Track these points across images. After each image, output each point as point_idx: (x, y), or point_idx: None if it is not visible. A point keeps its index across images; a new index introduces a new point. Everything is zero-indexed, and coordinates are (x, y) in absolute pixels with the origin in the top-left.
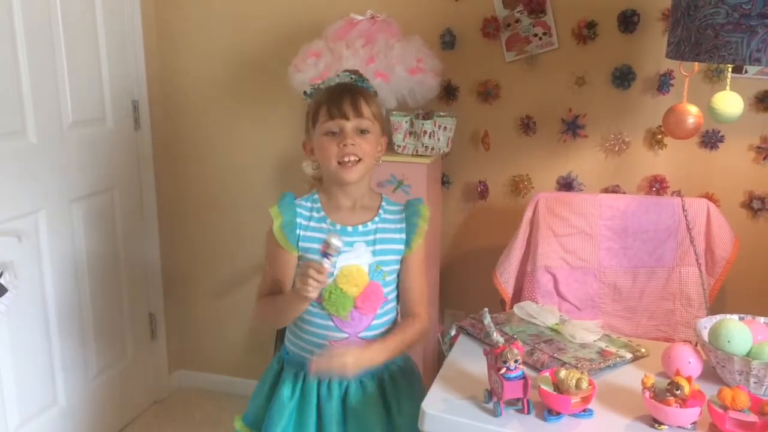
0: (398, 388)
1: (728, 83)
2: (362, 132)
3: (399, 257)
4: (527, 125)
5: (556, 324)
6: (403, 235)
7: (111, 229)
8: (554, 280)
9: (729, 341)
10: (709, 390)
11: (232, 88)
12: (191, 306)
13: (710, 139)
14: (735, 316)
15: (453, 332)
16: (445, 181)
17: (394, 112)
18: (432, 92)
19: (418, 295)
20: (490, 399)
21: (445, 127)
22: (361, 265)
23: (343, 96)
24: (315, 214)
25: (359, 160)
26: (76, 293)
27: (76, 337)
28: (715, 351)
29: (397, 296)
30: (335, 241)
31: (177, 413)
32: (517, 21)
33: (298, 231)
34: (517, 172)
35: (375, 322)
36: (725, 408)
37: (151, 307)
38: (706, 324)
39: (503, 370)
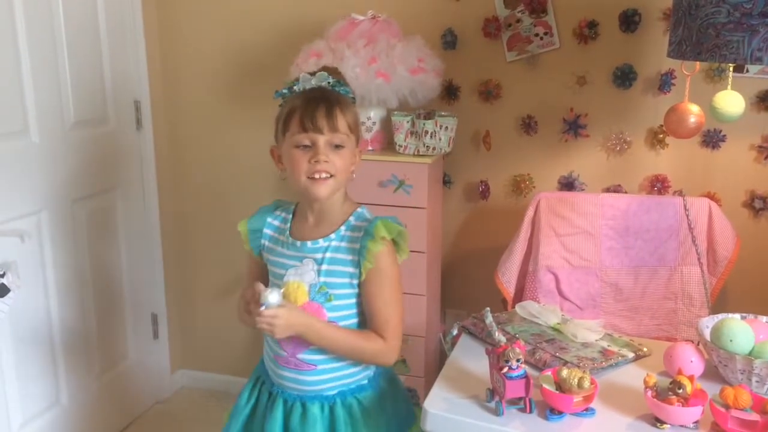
0: (356, 424)
1: (730, 82)
2: (336, 147)
3: (353, 281)
4: (528, 125)
5: (558, 323)
6: (356, 257)
7: (113, 229)
8: (556, 280)
9: (731, 340)
10: (711, 389)
11: (234, 88)
12: (194, 306)
13: (712, 139)
14: (737, 316)
15: (455, 332)
16: (446, 181)
17: (396, 112)
18: (433, 92)
19: (382, 321)
20: (492, 398)
21: (447, 127)
22: (303, 283)
23: (318, 106)
24: (283, 226)
25: (330, 176)
26: (79, 293)
27: (78, 336)
28: (717, 350)
29: (359, 324)
30: (272, 299)
31: (179, 413)
32: (518, 21)
33: (262, 241)
34: (518, 172)
35: (312, 347)
36: (727, 407)
37: (153, 307)
38: (708, 323)
39: (505, 370)
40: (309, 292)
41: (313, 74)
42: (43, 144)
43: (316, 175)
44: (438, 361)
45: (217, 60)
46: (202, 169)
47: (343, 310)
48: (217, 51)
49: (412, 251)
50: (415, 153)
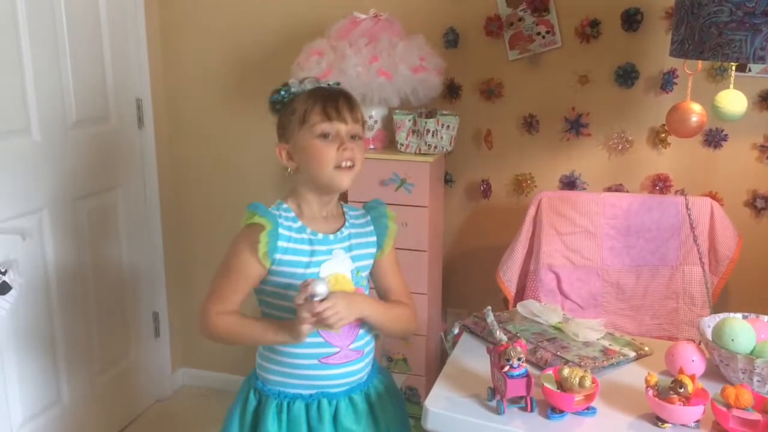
0: (385, 406)
1: (732, 82)
2: (354, 137)
3: (371, 261)
4: (530, 124)
5: (559, 322)
6: (374, 238)
7: (114, 227)
8: (557, 279)
9: (733, 339)
10: (713, 388)
11: (235, 86)
12: (195, 304)
13: (714, 138)
14: (739, 315)
15: (456, 331)
16: (448, 180)
17: (397, 111)
18: (435, 91)
19: (402, 291)
20: (493, 397)
21: (448, 126)
22: (345, 272)
23: (338, 97)
24: (293, 225)
25: (352, 166)
26: (80, 291)
27: (79, 334)
28: (719, 349)
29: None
30: (320, 289)
31: (180, 411)
32: (520, 19)
33: (279, 242)
34: (520, 171)
35: (361, 330)
36: (729, 406)
37: (154, 305)
38: (709, 322)
39: (506, 368)
40: (353, 279)
41: (301, 81)
42: (44, 142)
43: (344, 164)
44: (439, 359)
45: (218, 59)
46: (204, 167)
47: (368, 289)
48: (218, 49)
49: (413, 250)
50: (417, 152)
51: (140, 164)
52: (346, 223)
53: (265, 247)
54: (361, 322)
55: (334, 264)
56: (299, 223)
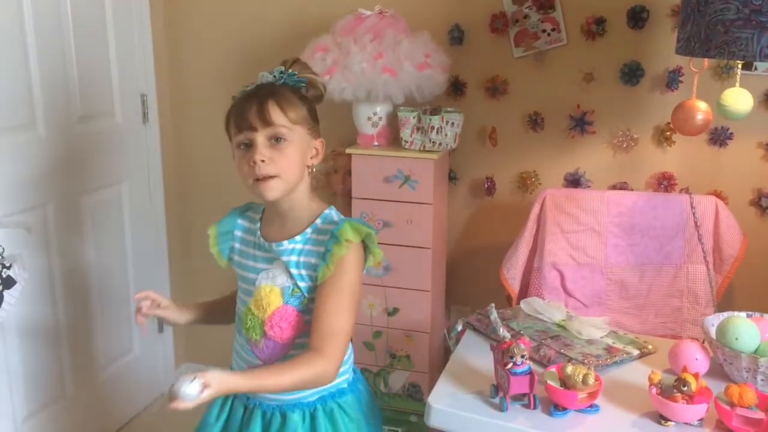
0: (337, 429)
1: (738, 80)
2: (277, 141)
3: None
4: (535, 121)
5: (563, 320)
6: (319, 260)
7: (119, 222)
8: (561, 277)
9: (737, 338)
10: (717, 387)
11: (240, 82)
12: (198, 300)
13: (719, 137)
14: (743, 314)
15: (459, 328)
16: (452, 177)
17: (402, 108)
18: (440, 88)
19: (325, 327)
20: (497, 394)
21: (453, 123)
22: (275, 286)
23: (250, 103)
24: (252, 226)
25: (273, 176)
26: (84, 286)
27: (83, 329)
28: (723, 348)
29: None
30: (187, 391)
31: None
32: (526, 17)
33: (233, 243)
34: (524, 169)
35: (292, 352)
36: (732, 405)
37: None
38: (713, 321)
39: (510, 366)
40: (282, 295)
41: (269, 72)
42: (49, 137)
43: (259, 177)
44: (442, 356)
45: (223, 54)
46: (208, 162)
47: None
48: (223, 45)
49: (417, 247)
50: (421, 149)
51: (145, 159)
52: (299, 236)
53: (214, 246)
54: (294, 342)
55: (270, 275)
56: (257, 225)
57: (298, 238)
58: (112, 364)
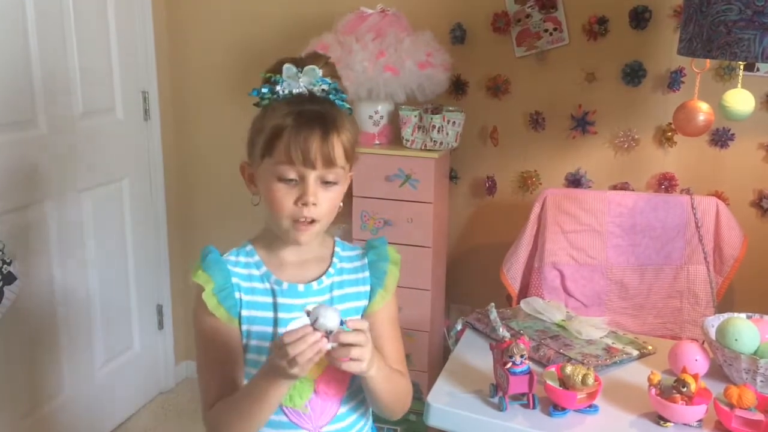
0: None
1: (740, 81)
2: (327, 183)
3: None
4: (536, 121)
5: (563, 320)
6: (367, 287)
7: (120, 219)
8: (561, 277)
9: (736, 339)
10: (716, 388)
11: (241, 80)
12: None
13: (720, 138)
14: (743, 315)
15: (459, 327)
16: (453, 176)
17: (403, 107)
18: (441, 87)
19: (398, 360)
20: (496, 393)
21: (454, 122)
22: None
23: (312, 130)
24: (255, 272)
25: (313, 221)
26: (84, 283)
27: (83, 326)
28: (723, 349)
29: None
30: (331, 322)
31: (183, 403)
32: (528, 16)
33: (237, 294)
34: (525, 168)
35: (342, 409)
36: (731, 406)
37: (158, 297)
38: (713, 322)
39: (509, 365)
40: None
41: (300, 66)
42: (51, 134)
43: (302, 219)
44: (442, 355)
45: (225, 52)
46: (209, 160)
47: None
48: (225, 43)
49: (418, 246)
50: (422, 147)
51: (146, 156)
52: (331, 268)
53: (217, 304)
54: (343, 397)
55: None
56: (263, 269)
57: (332, 270)
58: (111, 361)
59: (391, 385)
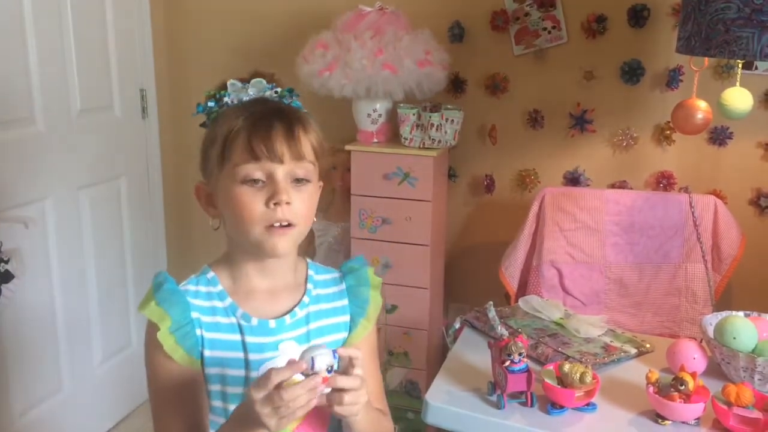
0: None
1: (738, 79)
2: (298, 181)
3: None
4: (535, 119)
5: (561, 318)
6: (347, 317)
7: (118, 217)
8: (559, 275)
9: (734, 338)
10: (714, 386)
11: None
12: None
13: (719, 136)
14: (741, 313)
15: (457, 325)
16: (451, 175)
17: (402, 105)
18: (440, 85)
19: (378, 395)
20: (494, 391)
21: (453, 120)
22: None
23: (273, 123)
24: (218, 304)
25: (289, 225)
26: (82, 281)
27: (81, 323)
28: (721, 347)
29: None
30: (320, 363)
31: None
32: (527, 14)
33: (198, 331)
34: (523, 167)
35: None
36: (729, 404)
37: None
38: (711, 320)
39: (507, 363)
40: None
41: (245, 81)
42: (48, 131)
43: (276, 223)
44: (440, 354)
45: (223, 50)
46: None
47: None
48: (223, 40)
49: (416, 244)
50: (421, 146)
51: (144, 154)
52: (305, 296)
53: (174, 346)
54: None
55: (282, 362)
56: (228, 301)
57: (306, 299)
58: (109, 359)
59: (374, 426)
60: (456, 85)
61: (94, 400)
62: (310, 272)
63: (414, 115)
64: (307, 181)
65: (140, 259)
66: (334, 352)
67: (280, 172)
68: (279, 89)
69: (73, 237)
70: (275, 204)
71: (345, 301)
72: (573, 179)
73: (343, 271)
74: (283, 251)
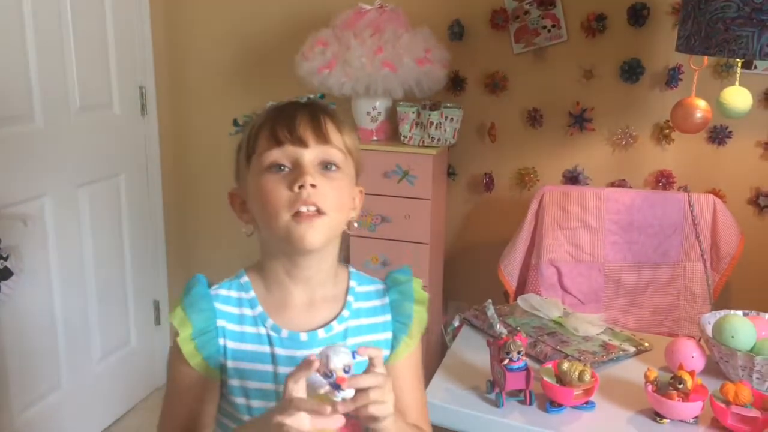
0: None
1: (737, 78)
2: (327, 168)
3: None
4: (534, 118)
5: (560, 317)
6: (389, 334)
7: (117, 214)
8: (558, 274)
9: (733, 336)
10: (712, 385)
11: (238, 75)
12: None
13: (718, 135)
14: (739, 312)
15: (456, 323)
16: (450, 173)
17: (401, 103)
18: (439, 83)
19: (421, 414)
20: (493, 390)
21: (452, 119)
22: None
23: (297, 112)
24: (248, 312)
25: (320, 212)
26: (81, 278)
27: (80, 321)
28: (719, 346)
29: None
30: (337, 361)
31: None
32: (526, 13)
33: (221, 341)
34: (523, 165)
35: None
36: (727, 403)
37: (155, 293)
38: (710, 319)
39: (506, 362)
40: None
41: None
42: (47, 129)
43: (303, 208)
44: (439, 352)
45: (222, 47)
46: (206, 156)
47: None
48: (223, 38)
49: (415, 242)
50: (420, 144)
51: (143, 152)
52: (345, 310)
53: (194, 353)
54: None
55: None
56: (258, 310)
57: (345, 313)
58: (108, 357)
59: None
60: (455, 83)
61: (93, 397)
62: (352, 283)
63: (413, 113)
64: (337, 167)
65: (139, 257)
66: (354, 352)
67: (306, 156)
68: (311, 96)
69: (72, 234)
70: (300, 187)
71: (388, 317)
72: (572, 178)
73: (388, 284)
74: (312, 242)
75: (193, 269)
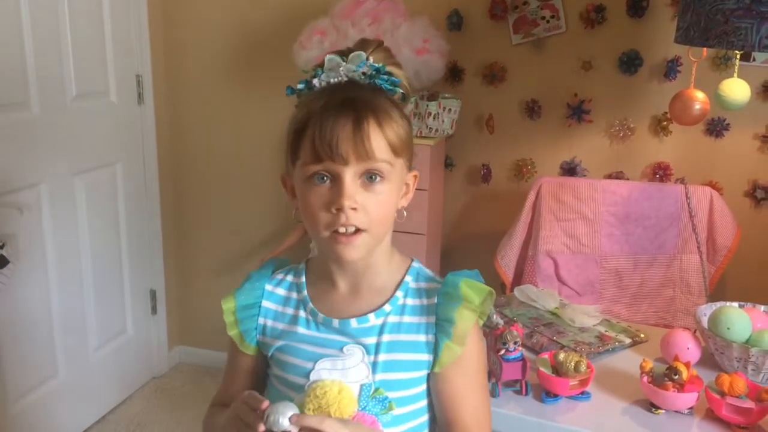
0: None
1: (736, 70)
2: (371, 178)
3: (420, 373)
4: (532, 109)
5: (556, 308)
6: (432, 337)
7: (113, 203)
8: (555, 265)
9: (728, 328)
10: (707, 376)
11: (236, 64)
12: (192, 282)
13: (716, 127)
14: (735, 304)
15: None
16: (448, 164)
17: None
18: (437, 74)
19: (471, 426)
20: (489, 380)
21: (450, 109)
22: (348, 384)
23: (340, 117)
24: (294, 295)
25: (359, 230)
26: (77, 267)
27: (76, 310)
28: (714, 337)
29: None
30: (282, 422)
31: (175, 388)
32: (525, 3)
33: (261, 320)
34: (520, 156)
35: None
36: (723, 394)
37: (151, 282)
38: (705, 311)
39: (502, 352)
40: (359, 397)
41: (345, 55)
42: (43, 116)
43: (341, 229)
44: None
45: (220, 36)
46: (203, 145)
47: (408, 422)
48: (220, 26)
49: (412, 233)
50: (418, 134)
51: (140, 140)
52: (387, 305)
53: (231, 323)
54: None
55: (339, 365)
56: (303, 294)
57: (387, 307)
58: (104, 346)
59: None
60: (454, 74)
61: (90, 386)
62: (408, 278)
63: (411, 103)
64: (382, 178)
65: (135, 246)
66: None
67: (347, 173)
68: (370, 68)
69: (68, 222)
70: (337, 209)
71: (432, 318)
72: (569, 169)
73: (446, 283)
74: (351, 260)
75: (190, 258)
